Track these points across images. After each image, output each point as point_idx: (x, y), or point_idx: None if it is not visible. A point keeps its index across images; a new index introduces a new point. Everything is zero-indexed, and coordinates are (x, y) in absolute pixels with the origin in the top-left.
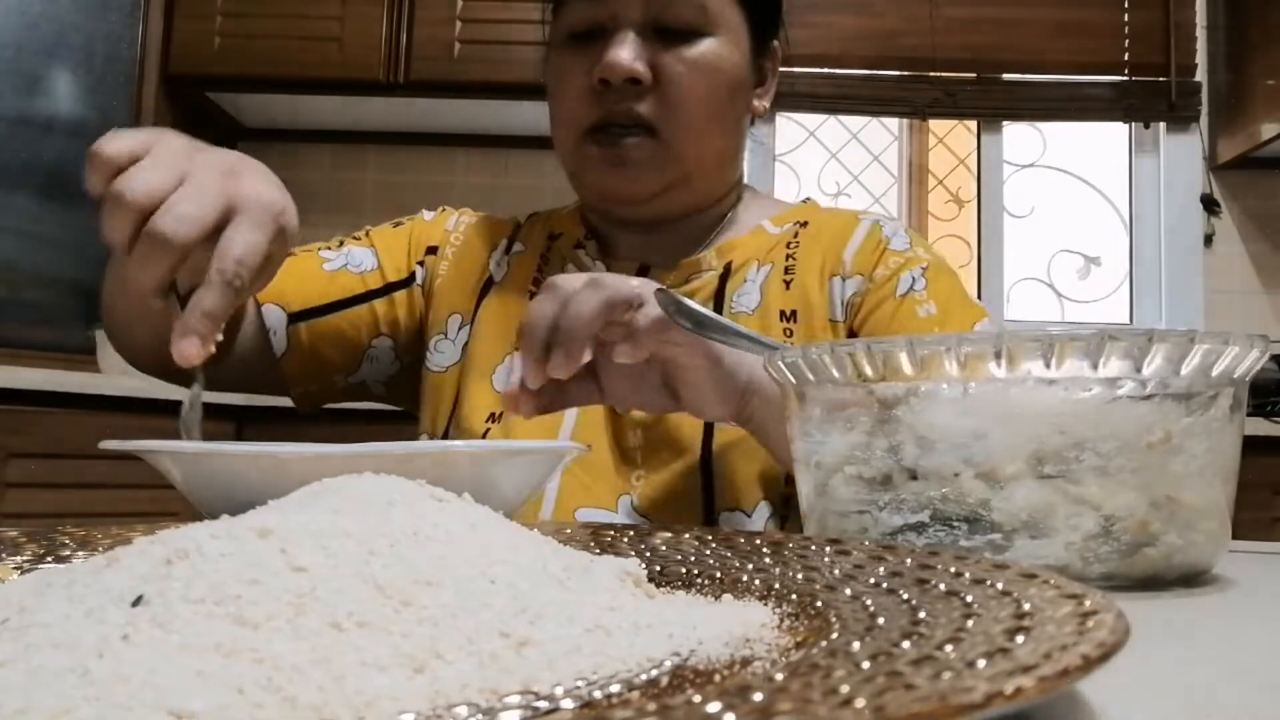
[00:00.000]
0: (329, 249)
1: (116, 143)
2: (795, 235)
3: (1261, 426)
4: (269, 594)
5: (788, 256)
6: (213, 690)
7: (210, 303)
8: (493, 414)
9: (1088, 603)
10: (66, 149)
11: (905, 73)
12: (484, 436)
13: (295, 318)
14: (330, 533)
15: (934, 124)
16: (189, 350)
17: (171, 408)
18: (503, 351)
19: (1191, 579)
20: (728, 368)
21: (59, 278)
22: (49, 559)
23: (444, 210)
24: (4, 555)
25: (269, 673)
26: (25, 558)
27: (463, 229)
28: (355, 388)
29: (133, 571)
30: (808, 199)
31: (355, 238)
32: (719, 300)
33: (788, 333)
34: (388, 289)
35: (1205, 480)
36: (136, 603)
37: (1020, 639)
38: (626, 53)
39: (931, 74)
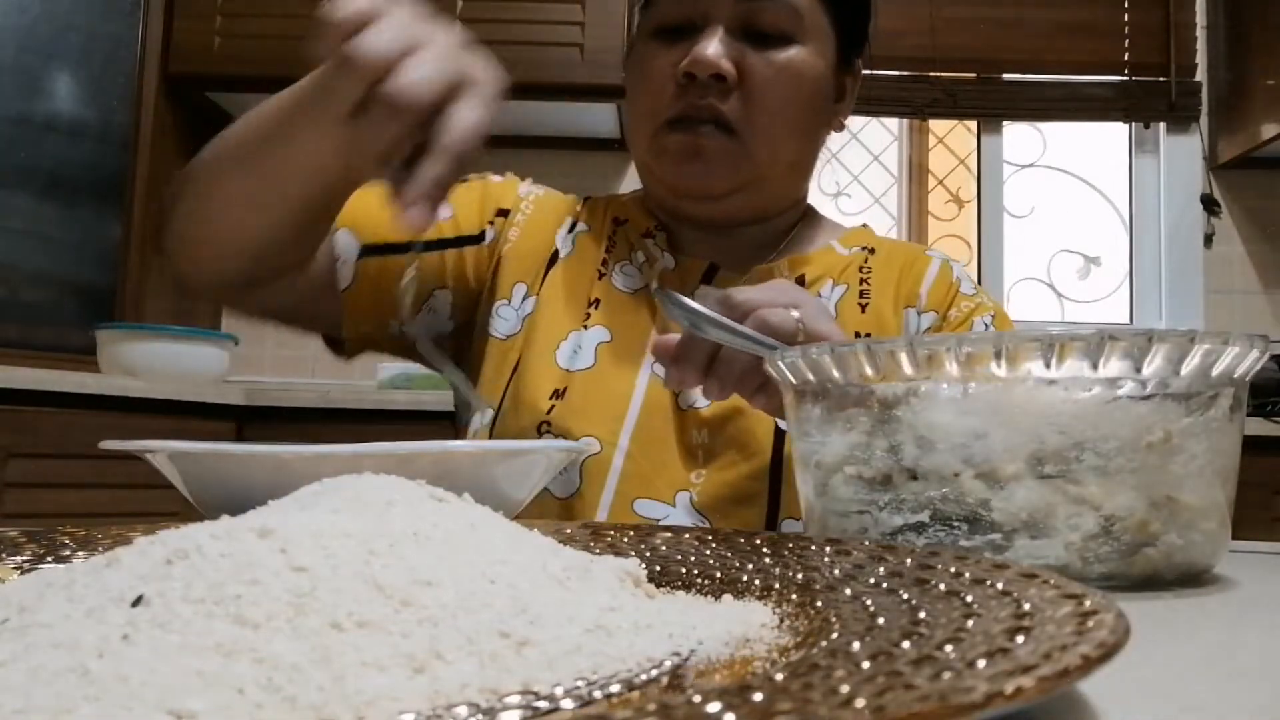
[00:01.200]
0: None
1: (346, 7)
2: (866, 260)
3: (1261, 426)
4: (269, 594)
5: (862, 280)
6: (213, 690)
7: (438, 173)
8: (556, 390)
9: (1088, 603)
10: (66, 149)
11: (905, 73)
12: (548, 414)
13: (367, 251)
14: (330, 533)
15: (934, 124)
16: (419, 217)
17: (171, 407)
18: (568, 327)
19: (1191, 579)
20: None
21: (59, 278)
22: (49, 559)
23: (511, 175)
24: (4, 555)
25: (269, 673)
26: (25, 558)
27: (533, 199)
28: (403, 339)
29: (133, 571)
30: (864, 225)
31: None
32: None
33: None
34: (459, 241)
35: (1205, 480)
36: (136, 603)
37: (1020, 639)
38: (715, 48)
39: (931, 74)
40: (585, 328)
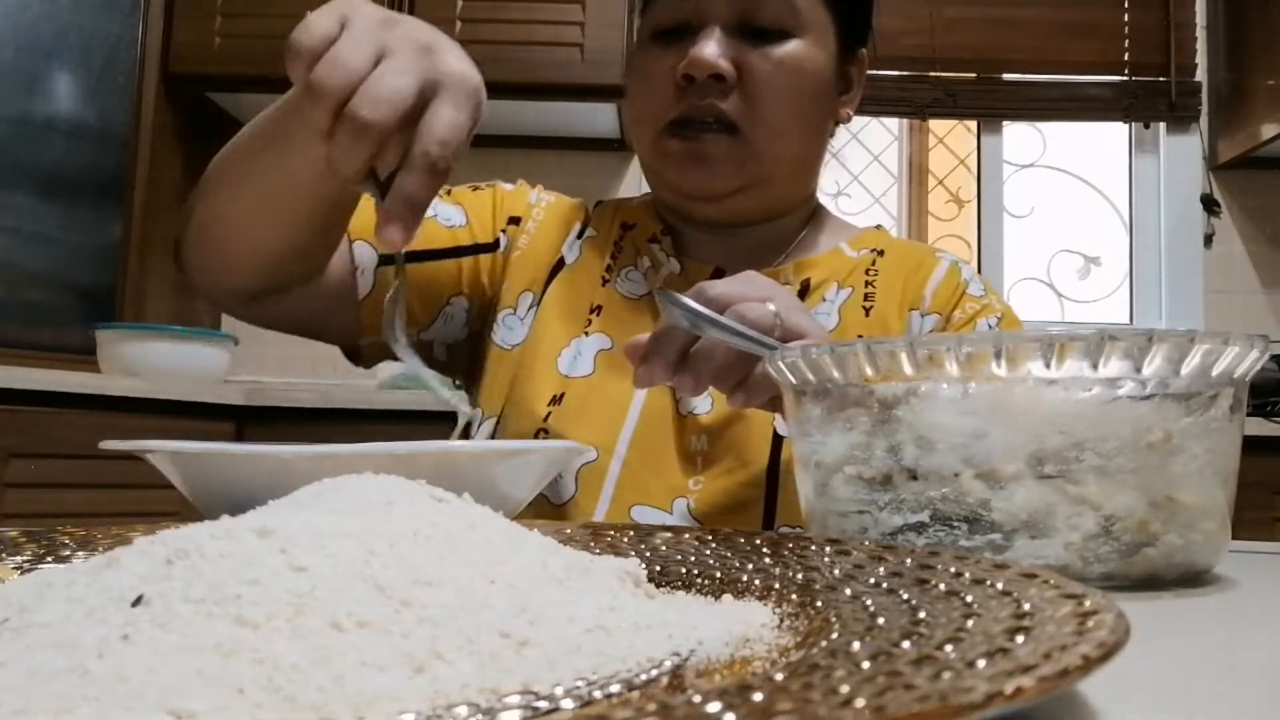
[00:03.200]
0: None
1: (312, 29)
2: (873, 263)
3: (1262, 426)
4: (269, 594)
5: (867, 284)
6: (213, 690)
7: (413, 187)
8: (555, 396)
9: (1088, 603)
10: (66, 149)
11: (905, 73)
12: (545, 420)
13: (386, 260)
14: (330, 533)
15: (934, 124)
16: (395, 236)
17: (171, 407)
18: (569, 335)
19: (1191, 579)
20: None
21: (59, 278)
22: (49, 559)
23: (523, 183)
24: (4, 555)
25: (269, 673)
26: (25, 558)
27: (544, 206)
28: (421, 347)
29: (133, 571)
30: (879, 225)
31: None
32: None
33: None
34: (475, 249)
35: (1205, 480)
36: (136, 603)
37: (1020, 639)
38: (712, 49)
39: (931, 74)
40: (586, 334)
